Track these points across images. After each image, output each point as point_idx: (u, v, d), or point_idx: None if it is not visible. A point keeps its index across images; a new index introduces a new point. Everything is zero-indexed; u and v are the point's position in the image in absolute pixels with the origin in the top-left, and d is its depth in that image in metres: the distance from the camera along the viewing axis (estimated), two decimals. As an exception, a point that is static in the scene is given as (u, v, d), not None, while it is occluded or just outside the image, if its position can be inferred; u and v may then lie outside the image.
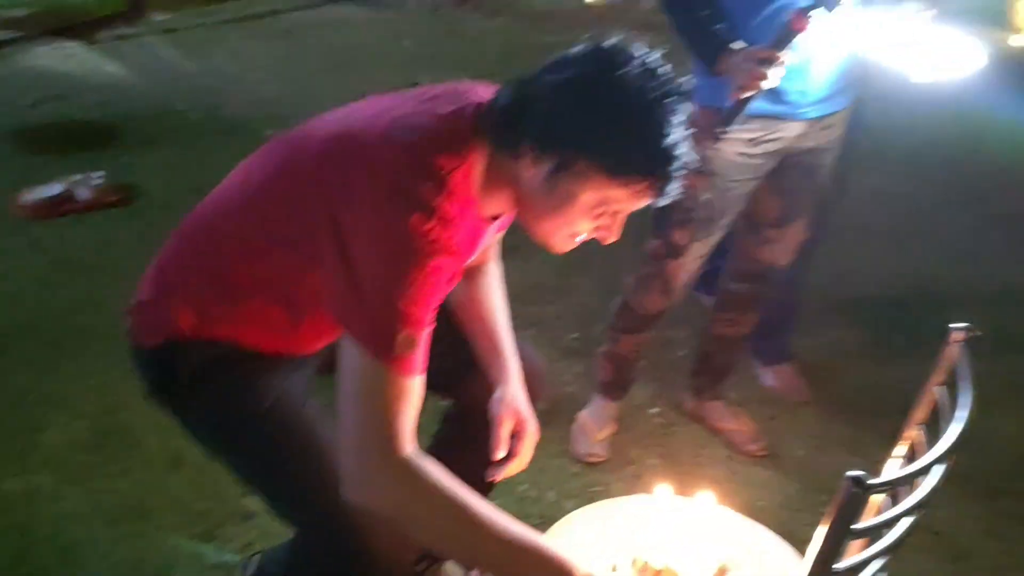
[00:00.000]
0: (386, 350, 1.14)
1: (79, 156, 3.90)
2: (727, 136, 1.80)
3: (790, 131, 1.93)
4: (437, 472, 1.15)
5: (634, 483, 2.21)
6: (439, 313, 1.22)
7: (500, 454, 1.44)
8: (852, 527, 0.93)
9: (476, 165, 1.21)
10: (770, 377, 2.62)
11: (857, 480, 0.89)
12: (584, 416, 2.35)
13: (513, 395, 1.47)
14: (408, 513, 1.16)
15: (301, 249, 1.24)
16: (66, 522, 2.03)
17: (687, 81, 1.20)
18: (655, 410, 2.51)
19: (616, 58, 1.15)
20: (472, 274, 1.52)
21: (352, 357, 1.16)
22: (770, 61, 1.67)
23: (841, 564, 0.96)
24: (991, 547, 2.08)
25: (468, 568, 1.39)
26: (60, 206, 3.40)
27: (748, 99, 1.73)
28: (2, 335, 2.67)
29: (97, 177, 3.54)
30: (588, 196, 1.18)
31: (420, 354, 1.17)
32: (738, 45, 1.74)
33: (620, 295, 2.25)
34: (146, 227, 3.36)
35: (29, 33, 5.73)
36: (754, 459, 2.32)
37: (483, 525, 1.14)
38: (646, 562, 1.25)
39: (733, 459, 2.33)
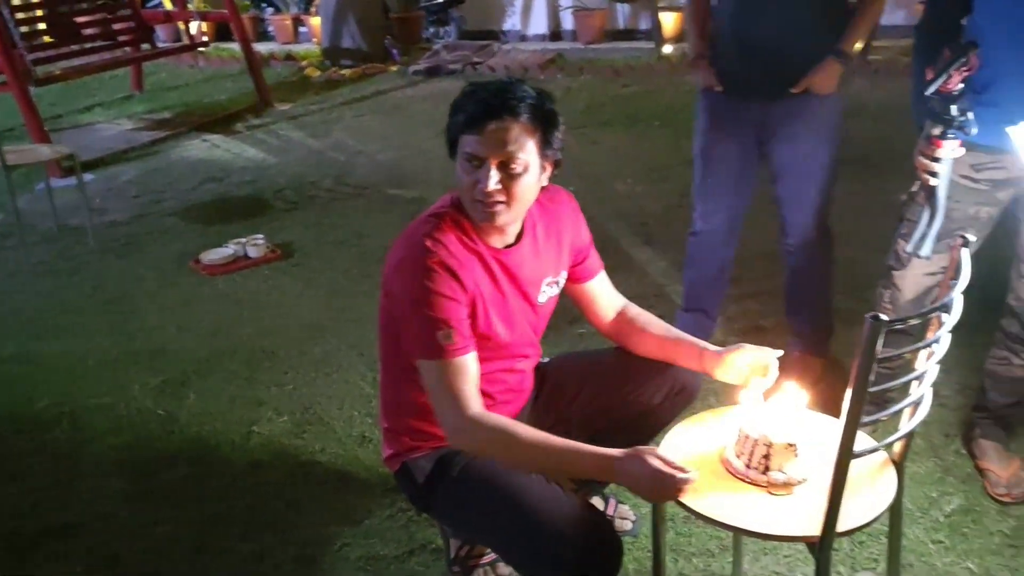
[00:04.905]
0: (434, 348, 1.67)
1: (239, 224, 4.63)
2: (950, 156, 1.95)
3: (1014, 164, 1.98)
4: (495, 418, 1.67)
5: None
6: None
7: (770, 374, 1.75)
8: (878, 356, 1.35)
9: (459, 216, 1.75)
10: None
11: (875, 317, 1.33)
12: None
13: (721, 350, 1.81)
14: (484, 448, 1.70)
15: (393, 337, 1.79)
16: (286, 485, 2.57)
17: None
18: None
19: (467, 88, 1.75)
20: (624, 321, 2.00)
21: (423, 368, 1.71)
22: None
23: (873, 388, 1.39)
24: None
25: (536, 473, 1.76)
26: (234, 263, 4.09)
27: (932, 188, 1.95)
28: (209, 359, 3.30)
29: (259, 239, 4.22)
30: (459, 163, 1.71)
31: (461, 340, 1.68)
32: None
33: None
34: (305, 274, 4.03)
35: (177, 131, 6.63)
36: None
37: (532, 443, 1.63)
38: (747, 434, 1.67)
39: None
